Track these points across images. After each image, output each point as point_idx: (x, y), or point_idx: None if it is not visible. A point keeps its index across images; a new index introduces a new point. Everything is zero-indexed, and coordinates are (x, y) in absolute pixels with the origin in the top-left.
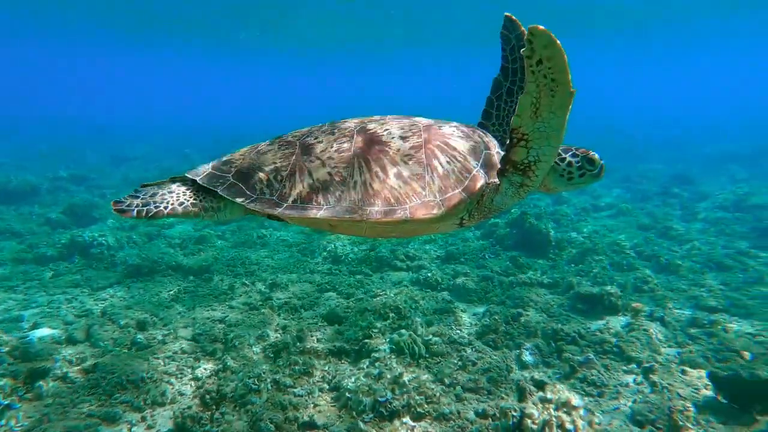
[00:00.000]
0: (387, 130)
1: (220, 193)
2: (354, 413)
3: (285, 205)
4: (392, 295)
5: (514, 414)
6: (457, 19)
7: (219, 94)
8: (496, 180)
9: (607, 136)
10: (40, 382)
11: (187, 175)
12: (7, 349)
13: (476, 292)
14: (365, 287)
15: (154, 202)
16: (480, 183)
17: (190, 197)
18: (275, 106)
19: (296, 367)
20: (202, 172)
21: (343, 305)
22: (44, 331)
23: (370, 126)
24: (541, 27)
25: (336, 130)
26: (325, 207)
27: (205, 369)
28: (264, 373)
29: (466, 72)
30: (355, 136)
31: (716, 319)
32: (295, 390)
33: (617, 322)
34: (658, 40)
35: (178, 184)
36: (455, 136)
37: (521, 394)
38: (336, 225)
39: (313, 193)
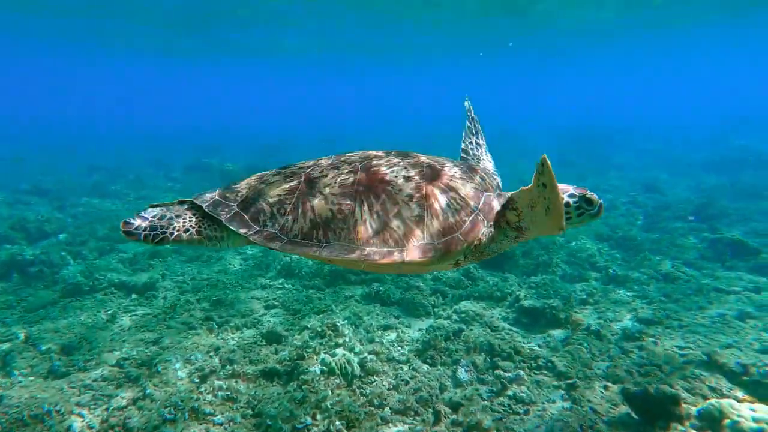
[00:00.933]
0: (390, 168)
1: (224, 223)
2: None
3: (286, 240)
4: (337, 311)
5: None
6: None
7: (207, 100)
8: (492, 231)
9: (581, 139)
10: None
11: (194, 200)
12: None
13: (424, 306)
14: (313, 302)
15: (161, 227)
16: (477, 230)
17: (196, 224)
18: (265, 115)
19: (220, 393)
20: (208, 198)
21: (288, 322)
22: None
23: (374, 162)
24: (549, 162)
25: (341, 165)
26: (324, 245)
27: (122, 398)
28: (182, 401)
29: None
30: (358, 173)
31: (648, 331)
32: (215, 418)
33: (557, 336)
34: (640, 47)
35: (186, 207)
36: (456, 177)
37: (437, 417)
38: (334, 260)
39: (314, 229)
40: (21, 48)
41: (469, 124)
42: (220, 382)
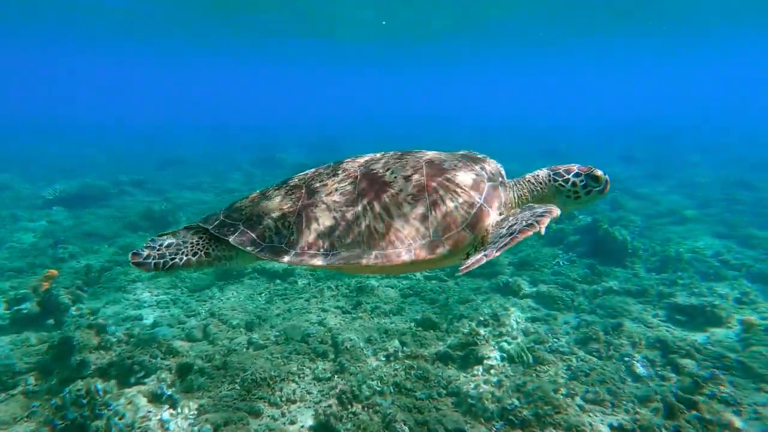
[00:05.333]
0: (389, 170)
1: (231, 242)
2: (481, 419)
3: (293, 252)
4: (479, 300)
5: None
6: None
7: (257, 97)
8: (500, 216)
9: (648, 137)
10: (190, 376)
11: (200, 224)
12: (155, 344)
13: (562, 300)
14: (447, 293)
15: (170, 254)
16: (484, 220)
17: (204, 247)
18: (310, 109)
19: (413, 372)
20: (214, 220)
21: (431, 310)
22: (165, 329)
23: (373, 167)
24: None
25: (340, 172)
26: (332, 253)
27: (324, 369)
28: (385, 375)
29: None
30: (359, 178)
31: None
32: (416, 393)
33: (725, 334)
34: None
35: (192, 232)
36: (457, 170)
37: (671, 412)
38: (343, 268)
39: (319, 240)
40: (83, 46)
41: None
42: (410, 362)
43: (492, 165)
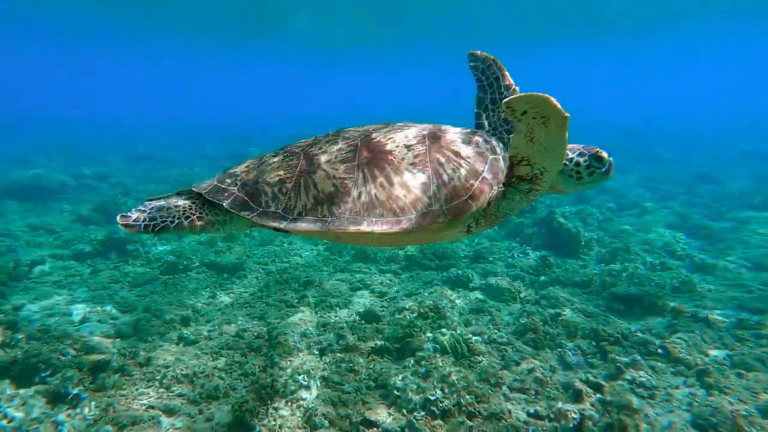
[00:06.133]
0: (391, 138)
1: (226, 206)
2: (404, 410)
3: (290, 218)
4: (426, 294)
5: (575, 417)
6: (458, 16)
7: (224, 94)
8: (503, 188)
9: (621, 132)
10: (102, 374)
11: (193, 188)
12: (69, 341)
13: (509, 291)
14: (397, 286)
15: (161, 217)
16: (486, 191)
17: (196, 211)
18: (282, 105)
19: (342, 365)
20: (207, 185)
21: (378, 304)
22: (94, 325)
23: (374, 135)
24: (514, 98)
25: (340, 140)
26: (330, 219)
27: (253, 365)
28: (312, 369)
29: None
30: (359, 146)
31: (762, 320)
32: (343, 387)
33: (659, 323)
34: (668, 39)
35: (184, 197)
36: (459, 142)
37: (578, 396)
38: (342, 236)
39: (318, 205)
40: (53, 42)
41: (480, 77)
42: (341, 355)
43: (493, 140)
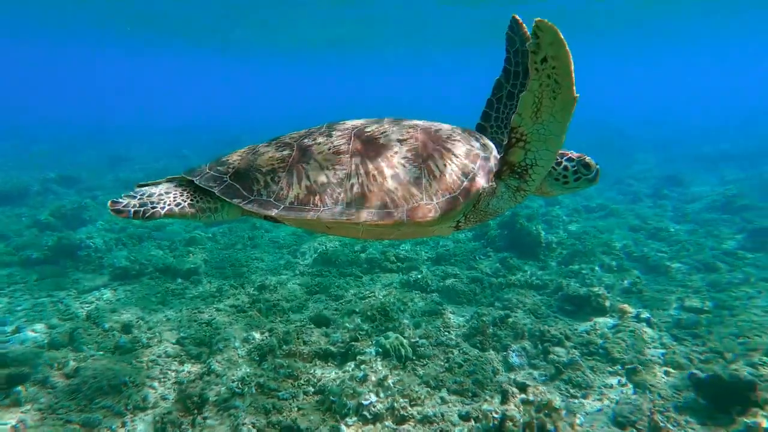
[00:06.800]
0: (384, 132)
1: (217, 194)
2: (337, 416)
3: (282, 206)
4: (381, 296)
5: (495, 416)
6: (451, 21)
7: (216, 94)
8: (493, 183)
9: (599, 135)
10: (19, 387)
11: (184, 175)
12: None
13: (465, 293)
14: (355, 289)
15: (151, 203)
16: (477, 187)
17: (187, 198)
18: (273, 106)
19: (281, 371)
20: (199, 172)
21: (332, 307)
22: (26, 335)
23: (368, 128)
24: (549, 22)
25: (334, 132)
26: (321, 209)
27: (189, 372)
28: (248, 376)
29: (461, 72)
30: (352, 139)
31: (700, 320)
32: (279, 393)
33: (604, 323)
34: (652, 38)
35: (175, 184)
36: (452, 138)
37: (504, 397)
38: (332, 227)
39: (310, 195)
40: (35, 36)
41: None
42: (281, 360)
43: (484, 139)
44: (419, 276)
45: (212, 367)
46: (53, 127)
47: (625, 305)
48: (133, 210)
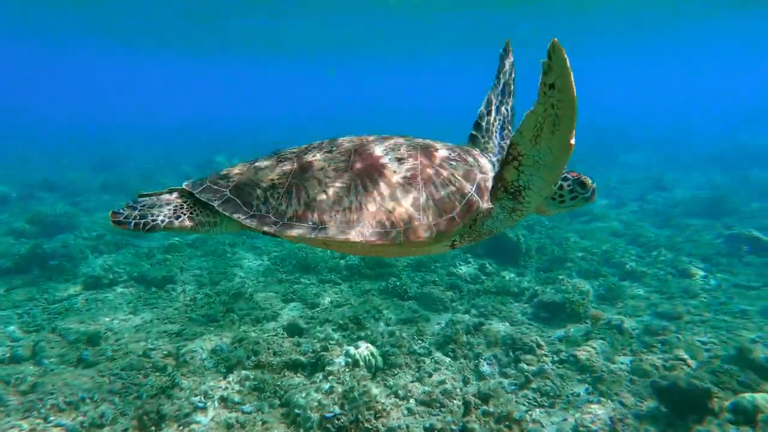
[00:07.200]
0: (384, 150)
1: (217, 208)
2: (302, 429)
3: (281, 223)
4: (356, 304)
5: (454, 428)
6: (451, 21)
7: (215, 95)
8: (489, 205)
9: (599, 135)
10: None
11: (185, 187)
12: None
13: (442, 300)
14: (331, 296)
15: (152, 215)
16: (473, 208)
17: (187, 210)
18: (273, 107)
19: (247, 383)
20: (199, 185)
21: (307, 315)
22: None
23: (368, 146)
24: (562, 49)
25: (334, 149)
26: (320, 227)
27: (151, 387)
28: (212, 389)
29: (461, 72)
30: (352, 156)
31: (669, 327)
32: (243, 407)
33: (578, 330)
34: (651, 38)
35: (175, 195)
36: (451, 159)
37: (467, 408)
38: (330, 244)
39: (308, 212)
40: (26, 41)
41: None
42: (247, 372)
43: (483, 158)
44: (398, 283)
45: (176, 380)
46: (53, 127)
47: (599, 312)
48: (134, 222)
